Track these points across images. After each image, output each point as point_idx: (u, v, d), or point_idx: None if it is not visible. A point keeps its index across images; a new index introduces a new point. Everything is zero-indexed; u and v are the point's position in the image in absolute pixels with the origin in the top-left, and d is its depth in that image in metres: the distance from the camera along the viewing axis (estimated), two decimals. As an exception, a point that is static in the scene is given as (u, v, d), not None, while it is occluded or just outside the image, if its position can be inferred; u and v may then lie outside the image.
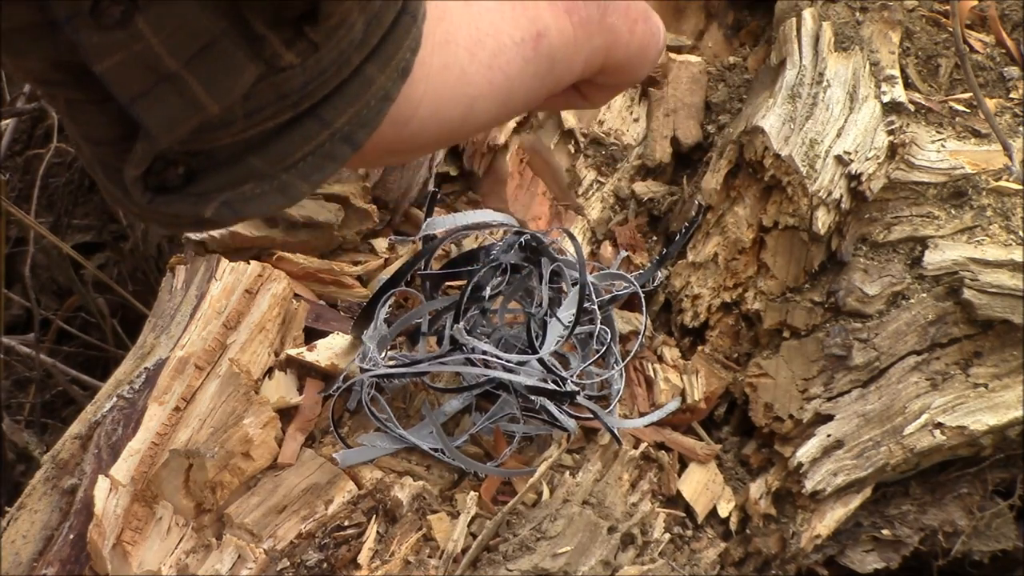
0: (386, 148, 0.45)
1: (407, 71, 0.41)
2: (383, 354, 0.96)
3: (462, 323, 0.93)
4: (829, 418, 1.02)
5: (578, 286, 0.96)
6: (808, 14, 1.07)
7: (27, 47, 0.35)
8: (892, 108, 1.04)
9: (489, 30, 0.45)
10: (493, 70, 0.45)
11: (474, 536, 0.89)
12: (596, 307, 0.99)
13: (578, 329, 0.98)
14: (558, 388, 0.93)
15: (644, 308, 1.04)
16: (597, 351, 1.00)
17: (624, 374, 1.01)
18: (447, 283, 1.02)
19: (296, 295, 1.02)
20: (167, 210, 0.39)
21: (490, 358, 0.92)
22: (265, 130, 0.39)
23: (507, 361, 0.92)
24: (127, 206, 0.39)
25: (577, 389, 0.95)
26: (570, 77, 0.50)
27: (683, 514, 0.99)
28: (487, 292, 0.97)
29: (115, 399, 0.96)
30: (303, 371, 0.98)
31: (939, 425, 1.02)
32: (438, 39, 0.44)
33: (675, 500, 0.99)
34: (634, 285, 1.04)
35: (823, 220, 0.99)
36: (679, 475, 0.99)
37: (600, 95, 0.57)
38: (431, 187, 1.09)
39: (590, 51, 0.51)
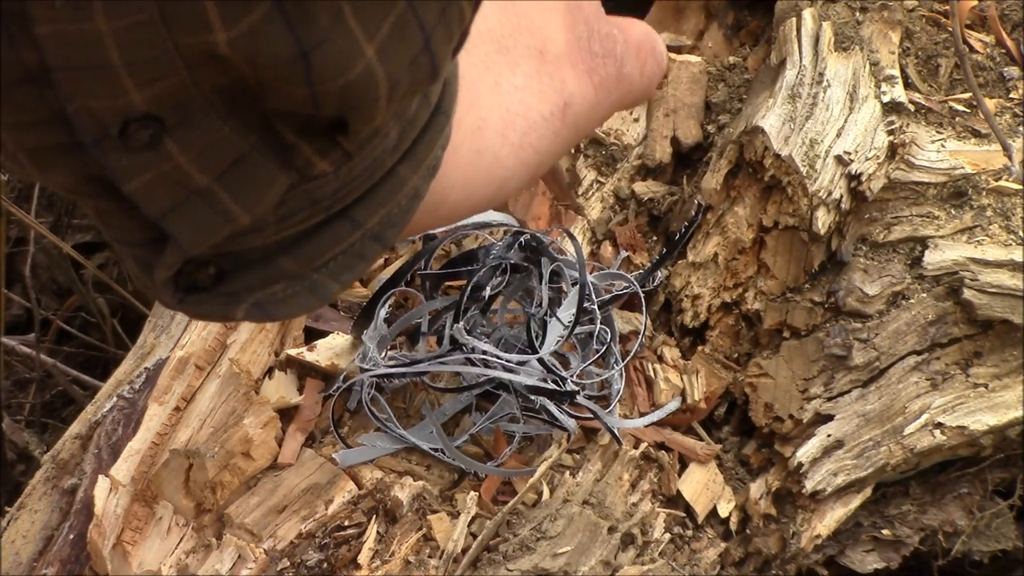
0: (416, 229, 0.45)
1: (436, 168, 0.41)
2: (383, 354, 0.96)
3: (462, 323, 0.93)
4: (829, 418, 1.02)
5: (578, 286, 0.96)
6: (808, 14, 1.07)
7: (56, 163, 0.34)
8: (892, 108, 1.04)
9: (519, 109, 0.45)
10: (524, 148, 0.45)
11: (474, 536, 0.89)
12: (596, 307, 0.99)
13: (578, 329, 0.98)
14: (558, 388, 0.93)
15: (644, 308, 1.04)
16: (597, 351, 1.00)
17: (624, 374, 1.01)
18: (447, 283, 1.03)
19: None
20: (197, 310, 0.39)
21: (490, 358, 0.92)
22: (297, 232, 0.39)
23: (507, 361, 0.92)
24: (161, 300, 0.40)
25: (577, 389, 0.95)
26: (589, 133, 0.51)
27: (683, 514, 0.99)
28: (487, 292, 0.97)
29: (115, 399, 0.96)
30: (303, 371, 0.98)
31: (939, 425, 1.02)
32: (470, 125, 0.44)
33: (675, 500, 0.99)
34: (634, 285, 1.04)
35: (823, 220, 0.99)
36: (679, 475, 0.99)
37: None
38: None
39: (608, 107, 0.51)
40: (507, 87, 0.45)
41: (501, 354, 0.93)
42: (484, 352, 0.93)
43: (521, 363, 0.93)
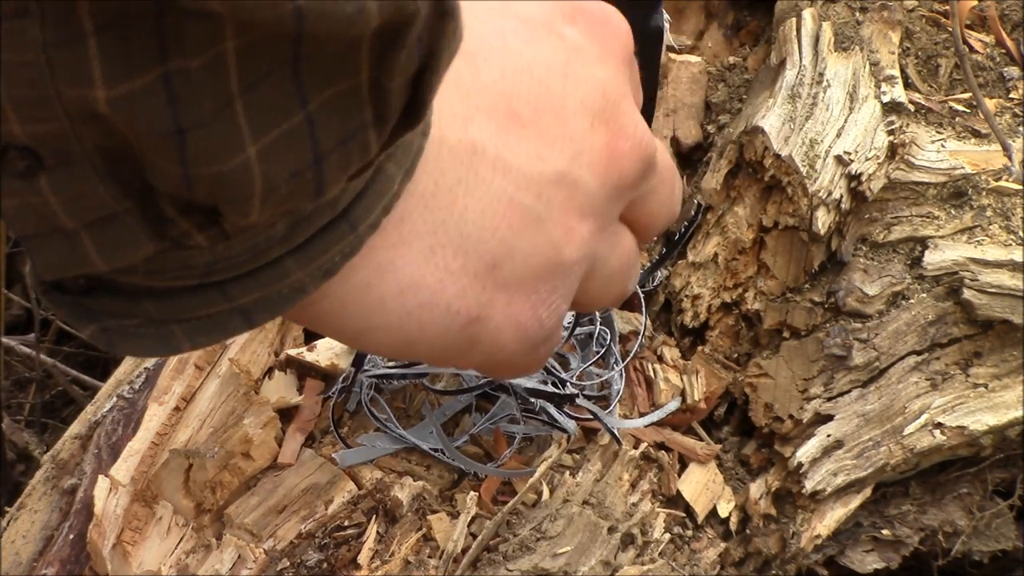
0: (290, 317, 0.44)
1: (332, 272, 0.40)
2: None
3: None
4: (829, 418, 1.02)
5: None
6: (808, 14, 1.07)
7: None
8: (892, 108, 1.04)
9: (431, 284, 0.44)
10: (411, 318, 0.44)
11: (474, 536, 0.89)
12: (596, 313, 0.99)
13: (578, 330, 0.98)
14: (557, 391, 0.93)
15: (644, 308, 1.04)
16: (597, 352, 1.00)
17: (624, 374, 1.01)
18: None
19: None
20: (54, 307, 0.39)
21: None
22: (168, 286, 0.38)
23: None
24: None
25: (576, 392, 0.95)
26: (475, 365, 0.49)
27: (683, 514, 0.99)
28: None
29: (115, 399, 0.96)
30: (303, 371, 0.98)
31: (939, 425, 1.02)
32: (377, 261, 0.42)
33: (675, 500, 0.99)
34: (634, 285, 1.04)
35: (823, 220, 0.99)
36: (679, 475, 0.99)
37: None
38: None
39: (503, 361, 0.48)
40: (439, 261, 0.43)
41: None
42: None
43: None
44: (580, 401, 0.95)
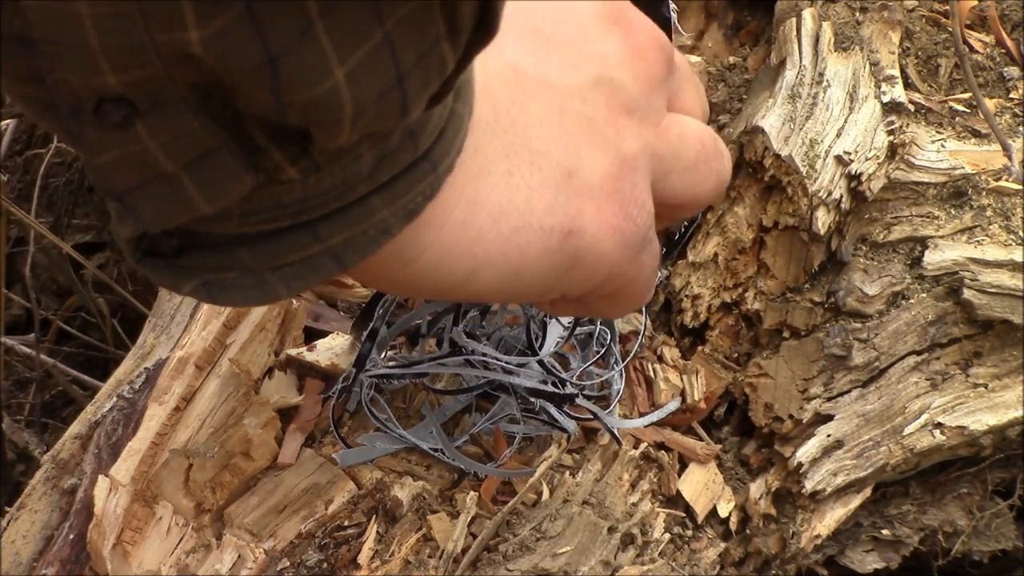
0: (384, 278, 0.45)
1: (415, 213, 0.41)
2: (383, 355, 0.96)
3: (461, 326, 0.93)
4: (829, 418, 1.02)
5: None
6: (808, 14, 1.07)
7: (46, 117, 0.36)
8: (892, 108, 1.04)
9: (521, 206, 0.45)
10: (510, 244, 0.45)
11: (474, 536, 0.89)
12: None
13: (578, 330, 0.98)
14: (558, 390, 0.93)
15: (644, 308, 1.04)
16: (597, 352, 1.00)
17: (624, 374, 1.01)
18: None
19: (296, 295, 1.02)
20: (151, 273, 0.40)
21: (490, 360, 0.92)
22: (259, 231, 0.39)
23: (507, 363, 0.92)
24: (124, 253, 0.41)
25: (576, 391, 0.95)
26: (590, 280, 0.49)
27: (683, 514, 0.99)
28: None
29: (115, 399, 0.96)
30: (303, 371, 0.98)
31: (939, 425, 1.02)
32: (465, 196, 0.44)
33: (675, 500, 0.99)
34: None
35: (823, 220, 0.99)
36: (679, 475, 0.99)
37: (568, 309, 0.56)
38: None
39: (632, 266, 0.49)
40: (519, 182, 0.45)
41: (501, 356, 0.93)
42: (483, 354, 0.93)
43: (520, 365, 0.93)
44: (580, 401, 0.96)
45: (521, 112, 0.45)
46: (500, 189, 0.44)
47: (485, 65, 0.44)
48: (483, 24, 0.38)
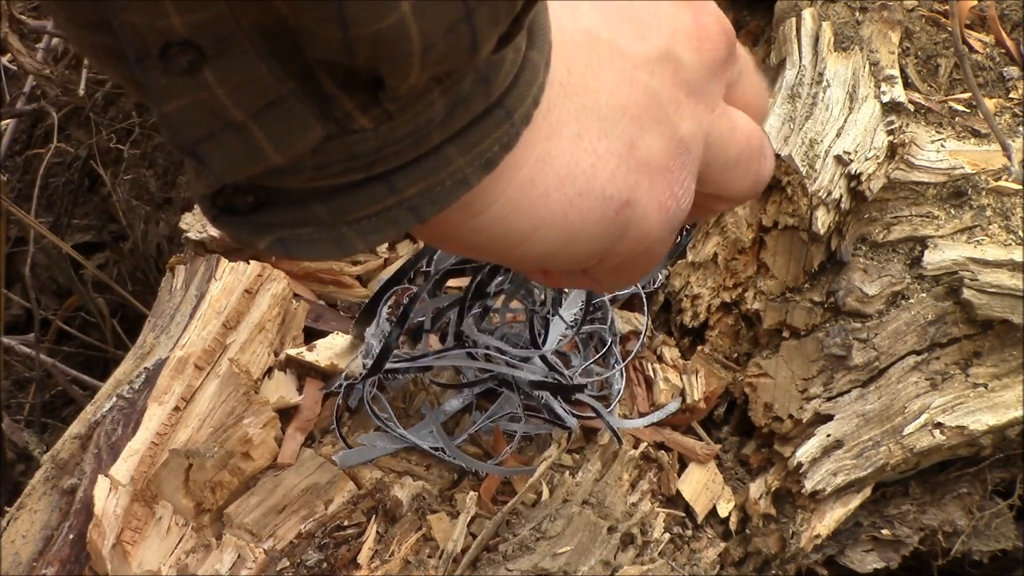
0: (445, 231, 0.45)
1: (492, 163, 0.41)
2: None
3: (470, 318, 0.93)
4: (829, 418, 1.02)
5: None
6: (808, 14, 1.07)
7: (112, 65, 0.36)
8: (892, 108, 1.04)
9: (587, 170, 0.45)
10: (572, 207, 0.45)
11: (474, 536, 0.89)
12: (607, 301, 0.99)
13: (580, 328, 0.98)
14: (563, 382, 0.93)
15: (645, 308, 1.04)
16: (598, 350, 1.00)
17: (624, 374, 1.01)
18: (447, 283, 1.03)
19: (296, 295, 1.02)
20: (228, 230, 0.40)
21: (494, 353, 0.92)
22: (334, 184, 0.39)
23: (511, 357, 0.93)
24: (201, 209, 0.41)
25: (583, 382, 0.95)
26: (619, 259, 0.49)
27: (683, 514, 0.99)
28: (491, 288, 0.97)
29: (115, 399, 0.96)
30: (303, 371, 0.98)
31: (939, 425, 1.02)
32: (536, 154, 0.44)
33: (675, 500, 0.99)
34: (635, 285, 1.04)
35: (823, 220, 0.99)
36: (679, 475, 0.99)
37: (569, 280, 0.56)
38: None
39: (662, 243, 0.50)
40: (587, 146, 0.45)
41: (507, 348, 0.93)
42: (488, 347, 0.93)
43: (524, 359, 0.93)
44: (584, 397, 0.96)
45: (594, 77, 0.45)
46: (569, 151, 0.44)
47: (562, 27, 0.44)
48: None
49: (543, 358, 0.94)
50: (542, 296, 0.98)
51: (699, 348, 1.05)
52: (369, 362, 0.95)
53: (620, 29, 0.46)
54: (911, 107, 1.05)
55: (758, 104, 0.53)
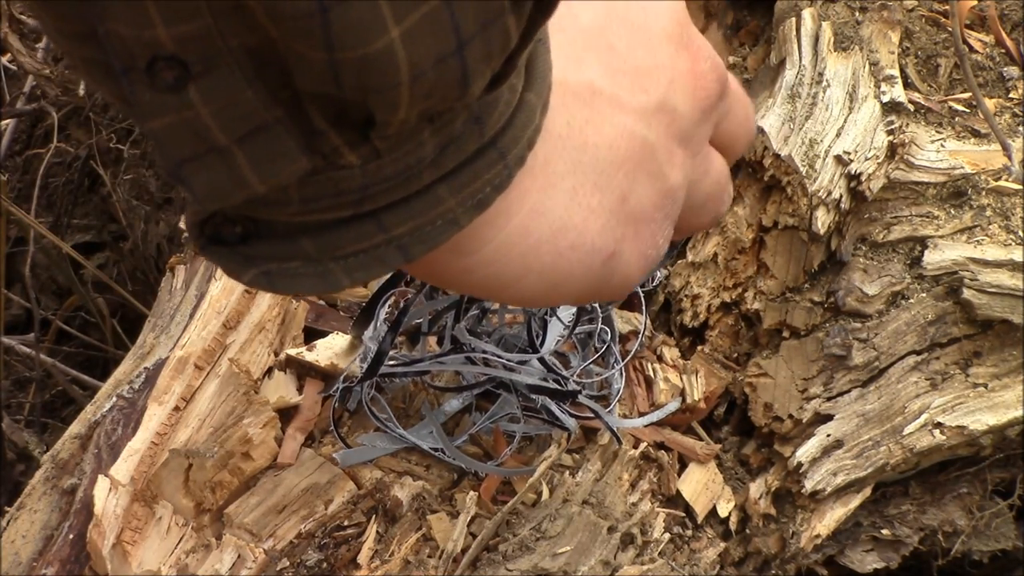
0: (434, 270, 0.45)
1: (484, 204, 0.41)
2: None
3: (463, 323, 0.93)
4: (829, 418, 1.02)
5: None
6: (808, 14, 1.07)
7: (101, 79, 0.36)
8: (892, 108, 1.04)
9: (578, 224, 0.45)
10: (562, 259, 0.45)
11: (474, 536, 0.89)
12: (597, 305, 0.99)
13: (578, 328, 0.98)
14: (560, 387, 0.93)
15: (644, 308, 1.04)
16: (597, 350, 1.00)
17: (624, 374, 1.01)
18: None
19: (295, 295, 1.02)
20: (214, 259, 0.40)
21: (491, 357, 0.92)
22: (323, 219, 0.39)
23: (508, 360, 0.93)
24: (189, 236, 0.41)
25: (579, 388, 0.95)
26: (611, 295, 0.50)
27: (683, 514, 0.99)
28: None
29: (115, 399, 0.96)
30: (303, 371, 0.98)
31: (939, 425, 1.02)
32: (530, 204, 0.44)
33: (675, 500, 0.99)
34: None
35: (823, 220, 0.99)
36: (679, 475, 0.99)
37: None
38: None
39: (623, 292, 0.51)
40: (582, 200, 0.45)
41: (502, 353, 0.93)
42: (485, 352, 0.93)
43: (522, 362, 0.93)
44: (581, 399, 0.96)
45: (594, 132, 0.45)
46: (563, 204, 0.45)
47: (565, 78, 0.44)
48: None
49: (541, 360, 0.94)
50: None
51: (699, 348, 1.05)
52: (366, 365, 0.95)
53: (621, 82, 0.46)
54: (911, 107, 1.05)
55: (743, 133, 0.54)
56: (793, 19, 1.07)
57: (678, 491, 0.99)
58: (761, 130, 1.00)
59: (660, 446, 1.00)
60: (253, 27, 0.33)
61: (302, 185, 0.37)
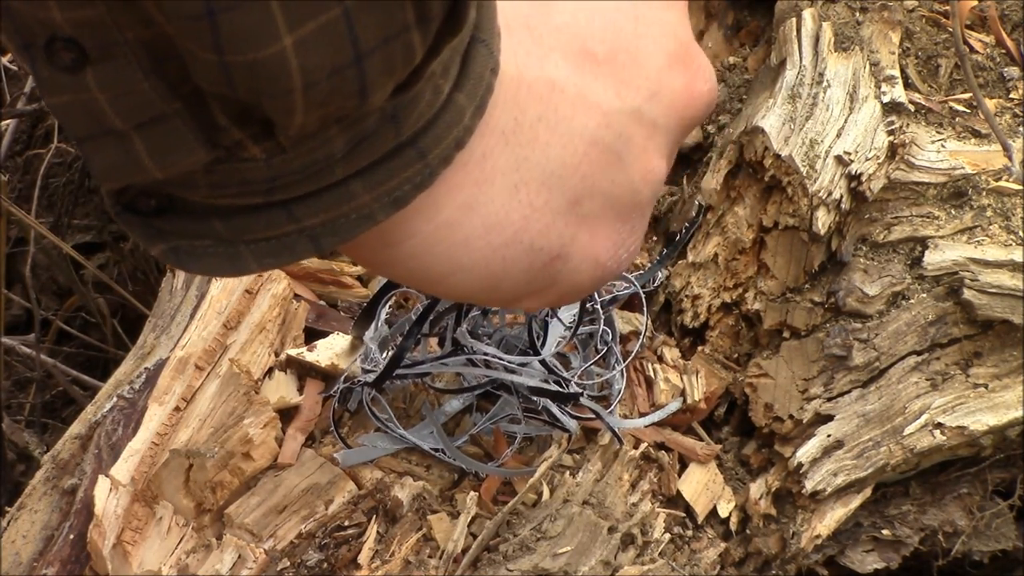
0: (360, 256, 0.44)
1: (402, 201, 0.40)
2: (384, 355, 0.96)
3: (464, 325, 0.93)
4: (829, 418, 1.02)
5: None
6: (808, 14, 1.07)
7: (13, 49, 0.35)
8: (892, 108, 1.04)
9: (516, 221, 0.44)
10: (495, 256, 0.44)
11: (474, 536, 0.89)
12: (599, 306, 0.99)
13: (580, 330, 0.98)
14: (561, 390, 0.93)
15: (645, 308, 1.04)
16: (598, 351, 1.00)
17: (624, 374, 1.01)
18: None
19: (296, 295, 1.02)
20: (127, 228, 0.40)
21: (492, 359, 0.92)
22: (233, 204, 0.39)
23: (509, 362, 0.93)
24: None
25: (580, 391, 0.95)
26: (546, 303, 0.49)
27: (683, 514, 0.99)
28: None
29: (115, 399, 0.96)
30: (303, 371, 0.98)
31: (939, 425, 1.02)
32: (461, 198, 0.43)
33: (675, 500, 0.99)
34: (635, 285, 1.04)
35: (823, 220, 0.99)
36: (679, 475, 0.99)
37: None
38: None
39: (574, 296, 0.49)
40: (523, 198, 0.44)
41: (503, 355, 0.93)
42: (486, 354, 0.93)
43: (523, 364, 0.93)
44: (583, 401, 0.96)
45: (546, 130, 0.43)
46: (500, 201, 0.43)
47: (520, 75, 0.43)
48: (454, 15, 0.37)
49: (542, 362, 0.94)
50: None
51: (699, 348, 1.05)
52: (367, 366, 0.95)
53: (592, 83, 0.44)
54: (911, 107, 1.05)
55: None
56: (793, 19, 1.07)
57: (678, 491, 0.99)
58: (761, 130, 1.00)
59: (660, 446, 1.00)
60: (147, 22, 0.33)
61: (208, 172, 0.37)
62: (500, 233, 0.44)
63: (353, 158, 0.38)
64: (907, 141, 1.02)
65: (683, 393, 1.02)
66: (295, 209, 0.39)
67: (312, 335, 1.01)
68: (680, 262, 1.05)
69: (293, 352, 0.97)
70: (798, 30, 1.06)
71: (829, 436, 1.01)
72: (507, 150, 0.43)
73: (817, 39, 1.05)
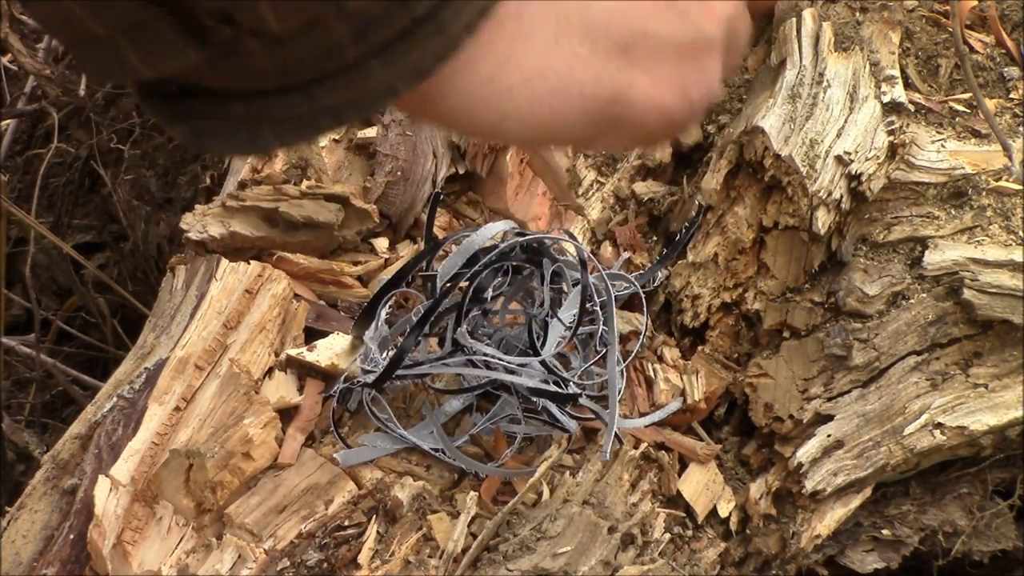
0: (410, 108, 0.45)
1: (426, 72, 0.40)
2: (384, 355, 0.96)
3: (464, 325, 0.93)
4: (829, 418, 1.02)
5: (579, 286, 0.96)
6: (808, 14, 1.07)
7: None
8: (892, 108, 1.04)
9: (561, 68, 0.44)
10: (542, 106, 0.44)
11: (474, 536, 0.89)
12: (598, 307, 0.99)
13: (579, 330, 0.98)
14: (560, 390, 0.93)
15: (645, 308, 1.04)
16: (598, 352, 1.00)
17: (625, 374, 1.01)
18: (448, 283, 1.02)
19: (296, 295, 1.02)
20: (150, 110, 0.40)
21: (492, 359, 0.92)
22: (248, 89, 0.39)
23: (509, 363, 0.92)
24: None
25: (579, 392, 0.95)
26: (616, 146, 0.49)
27: (683, 514, 0.99)
28: (489, 293, 0.97)
29: (115, 399, 0.96)
30: (303, 371, 0.98)
31: (939, 425, 1.02)
32: (497, 53, 0.43)
33: (675, 500, 0.99)
34: (635, 285, 1.04)
35: (823, 220, 0.99)
36: (679, 475, 0.99)
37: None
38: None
39: (646, 142, 0.49)
40: (565, 48, 0.44)
41: (503, 356, 0.93)
42: (486, 354, 0.93)
43: (523, 365, 0.93)
44: (583, 401, 0.96)
45: None
46: (540, 52, 0.44)
47: None
48: None
49: (543, 363, 0.94)
50: (541, 298, 0.98)
51: (699, 348, 1.05)
52: (367, 366, 0.95)
53: None
54: (911, 107, 1.05)
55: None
56: (793, 19, 1.07)
57: (678, 491, 0.99)
58: (761, 130, 1.00)
59: (660, 446, 1.00)
60: None
61: (211, 66, 0.37)
62: (543, 83, 0.44)
63: (365, 38, 0.38)
64: (907, 141, 1.02)
65: (683, 393, 1.02)
66: (314, 91, 0.39)
67: (312, 335, 1.01)
68: (680, 262, 1.05)
69: (293, 352, 0.97)
70: (798, 30, 1.06)
71: (829, 436, 1.01)
72: (544, 5, 0.43)
73: (817, 39, 1.05)
